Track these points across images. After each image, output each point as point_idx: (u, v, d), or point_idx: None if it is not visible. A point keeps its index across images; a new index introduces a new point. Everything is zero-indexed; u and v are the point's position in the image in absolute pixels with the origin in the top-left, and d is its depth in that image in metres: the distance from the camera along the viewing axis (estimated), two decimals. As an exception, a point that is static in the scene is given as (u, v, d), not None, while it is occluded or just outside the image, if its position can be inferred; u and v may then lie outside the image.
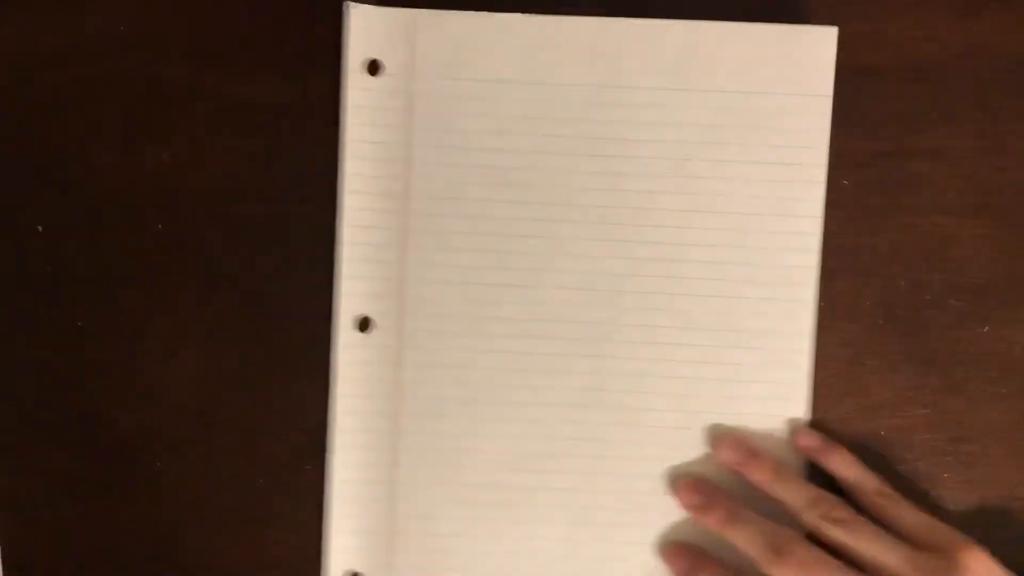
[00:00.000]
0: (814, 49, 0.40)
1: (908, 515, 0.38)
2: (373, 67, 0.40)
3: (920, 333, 0.41)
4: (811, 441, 0.40)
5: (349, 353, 0.41)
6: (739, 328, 0.41)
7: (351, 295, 0.41)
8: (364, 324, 0.41)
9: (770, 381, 0.41)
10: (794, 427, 0.41)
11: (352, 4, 0.40)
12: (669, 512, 0.41)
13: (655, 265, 0.41)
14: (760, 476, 0.39)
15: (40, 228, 0.41)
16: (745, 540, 0.38)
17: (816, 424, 0.41)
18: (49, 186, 0.41)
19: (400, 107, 0.40)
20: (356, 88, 0.40)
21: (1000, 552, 0.42)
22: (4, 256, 0.41)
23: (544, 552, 0.41)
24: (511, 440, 0.41)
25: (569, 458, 0.41)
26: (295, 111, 0.41)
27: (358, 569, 0.41)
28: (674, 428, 0.41)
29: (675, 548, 0.40)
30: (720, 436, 0.41)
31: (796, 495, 0.39)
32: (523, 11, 0.40)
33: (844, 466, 0.40)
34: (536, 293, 0.41)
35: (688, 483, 0.40)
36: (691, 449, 0.41)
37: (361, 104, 0.40)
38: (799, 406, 0.41)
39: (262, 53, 0.41)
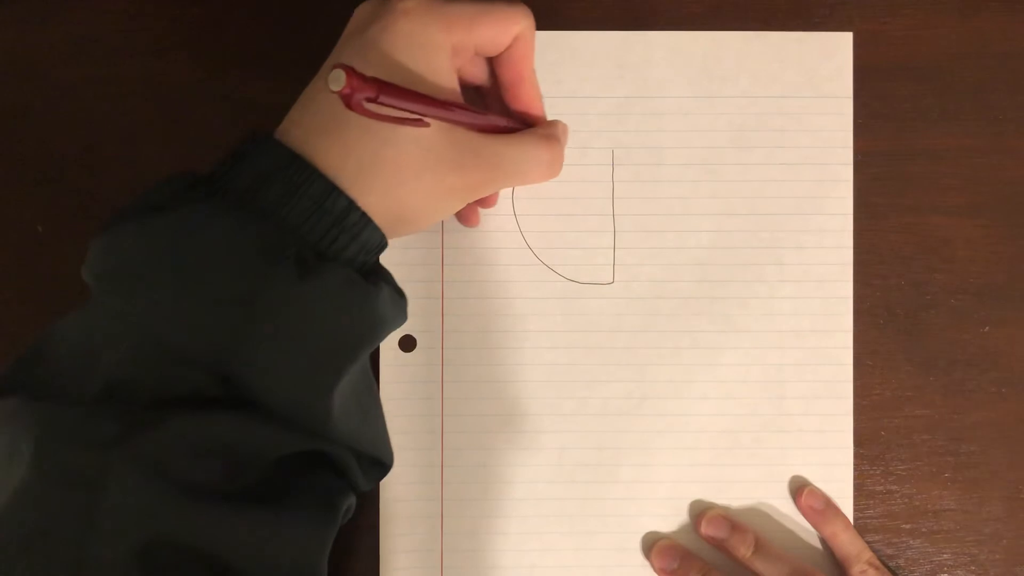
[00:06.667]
0: (831, 53, 0.41)
1: None
2: None
3: (920, 333, 0.41)
4: (815, 502, 0.40)
5: (393, 372, 0.40)
6: (780, 328, 0.41)
7: None
8: (408, 344, 0.41)
9: (814, 380, 0.41)
10: (799, 486, 0.41)
11: None
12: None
13: (692, 270, 0.41)
14: (742, 551, 0.39)
15: (40, 228, 0.41)
16: None
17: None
18: (49, 186, 0.41)
19: None
20: None
21: (999, 551, 0.41)
22: (4, 256, 0.41)
23: (594, 563, 0.40)
24: (556, 452, 0.41)
25: (616, 468, 0.41)
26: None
27: None
28: (720, 432, 0.41)
29: (664, 548, 0.40)
30: (701, 512, 0.40)
31: (777, 569, 0.39)
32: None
33: (842, 532, 0.40)
34: (574, 303, 0.41)
35: (663, 547, 0.40)
36: (738, 452, 0.41)
37: None
38: (844, 403, 0.41)
39: (262, 54, 0.41)
